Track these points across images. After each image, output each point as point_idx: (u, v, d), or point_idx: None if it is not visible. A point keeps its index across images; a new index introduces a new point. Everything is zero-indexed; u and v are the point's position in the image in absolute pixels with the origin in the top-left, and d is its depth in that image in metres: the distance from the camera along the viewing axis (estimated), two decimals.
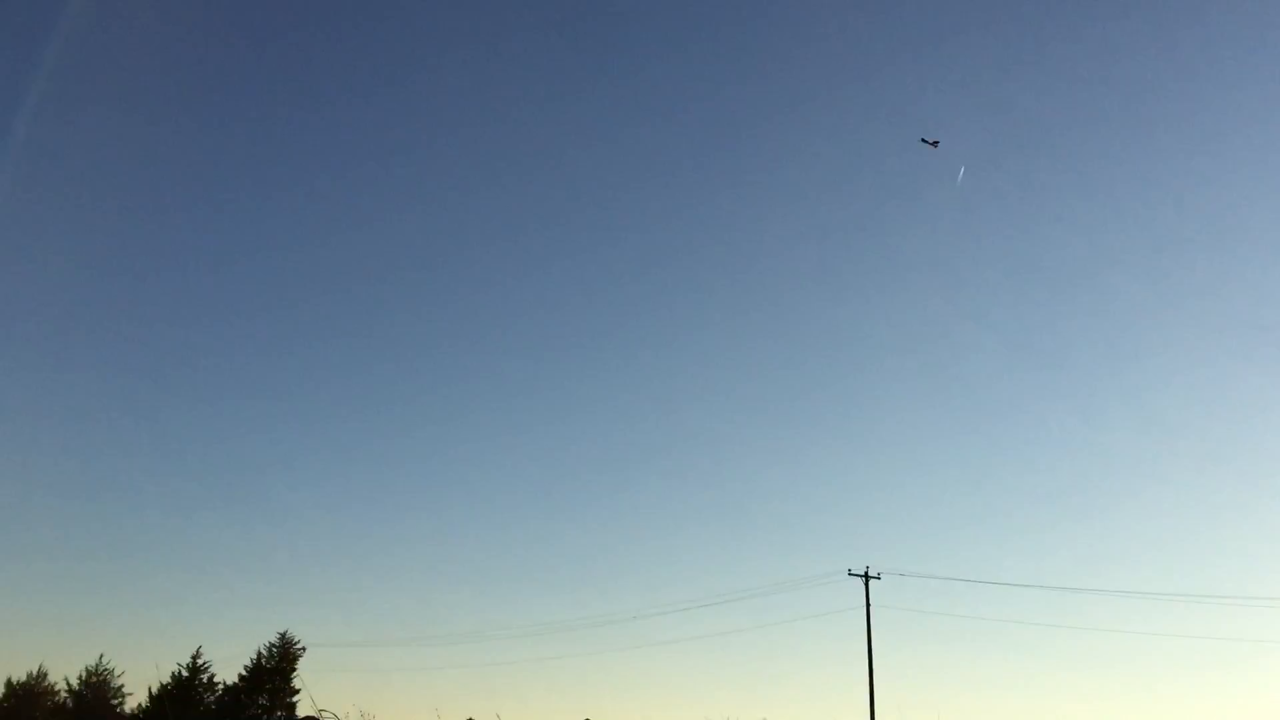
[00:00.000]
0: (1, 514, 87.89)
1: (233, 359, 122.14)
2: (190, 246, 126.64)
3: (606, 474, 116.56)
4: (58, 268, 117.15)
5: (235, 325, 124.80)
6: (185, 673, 63.77)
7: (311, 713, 53.68)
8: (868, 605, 52.81)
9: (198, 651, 64.12)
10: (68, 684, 64.39)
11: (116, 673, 65.92)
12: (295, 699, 64.36)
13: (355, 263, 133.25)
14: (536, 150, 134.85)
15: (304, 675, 65.27)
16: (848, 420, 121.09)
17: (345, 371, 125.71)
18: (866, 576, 53.16)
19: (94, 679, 65.17)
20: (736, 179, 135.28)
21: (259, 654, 64.80)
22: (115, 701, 64.89)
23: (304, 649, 65.38)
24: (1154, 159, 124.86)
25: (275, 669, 65.02)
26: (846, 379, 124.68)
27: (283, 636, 65.37)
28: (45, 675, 64.98)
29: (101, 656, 66.29)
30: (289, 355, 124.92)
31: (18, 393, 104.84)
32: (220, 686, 64.55)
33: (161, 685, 62.57)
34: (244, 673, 64.70)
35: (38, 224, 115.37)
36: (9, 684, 63.53)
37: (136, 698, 65.06)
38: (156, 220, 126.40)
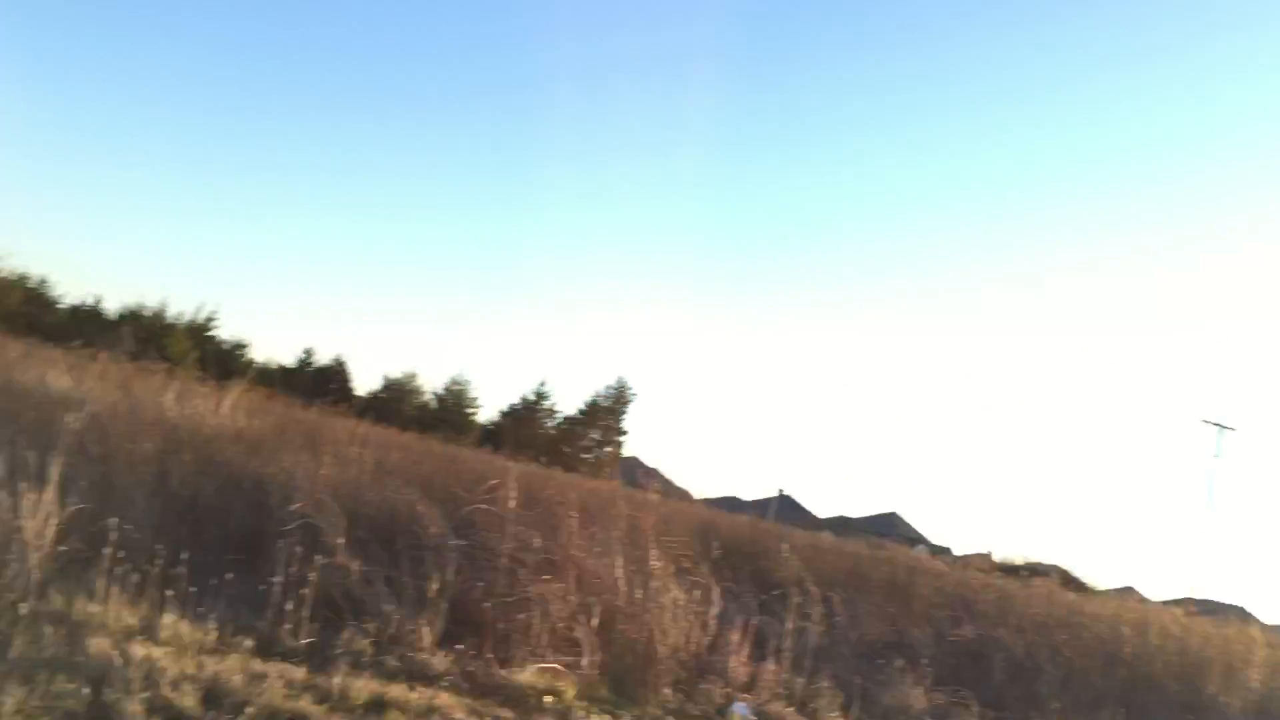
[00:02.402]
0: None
1: None
2: None
3: None
4: None
5: None
6: (531, 397, 70.50)
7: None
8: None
9: (542, 383, 70.41)
10: (432, 390, 72.63)
11: (470, 389, 73.62)
12: (622, 439, 69.94)
13: None
14: None
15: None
16: None
17: None
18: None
19: (454, 388, 73.18)
20: None
21: (596, 395, 70.42)
22: (469, 410, 72.68)
23: (635, 395, 70.51)
24: None
25: (609, 409, 70.66)
26: None
27: (619, 380, 70.54)
28: (415, 378, 73.63)
29: (460, 372, 73.85)
30: None
31: None
32: (559, 416, 70.92)
33: (510, 405, 69.53)
34: (582, 408, 70.71)
35: None
36: (386, 379, 72.35)
37: (486, 412, 72.63)
38: None
